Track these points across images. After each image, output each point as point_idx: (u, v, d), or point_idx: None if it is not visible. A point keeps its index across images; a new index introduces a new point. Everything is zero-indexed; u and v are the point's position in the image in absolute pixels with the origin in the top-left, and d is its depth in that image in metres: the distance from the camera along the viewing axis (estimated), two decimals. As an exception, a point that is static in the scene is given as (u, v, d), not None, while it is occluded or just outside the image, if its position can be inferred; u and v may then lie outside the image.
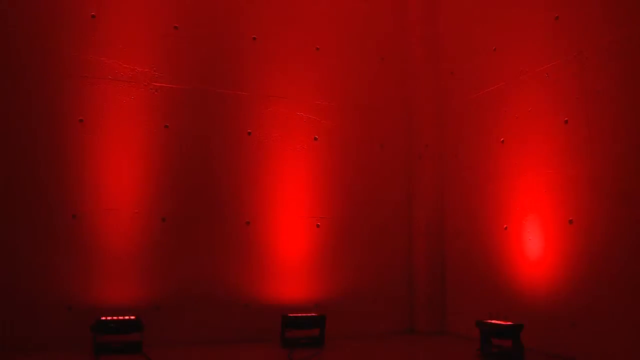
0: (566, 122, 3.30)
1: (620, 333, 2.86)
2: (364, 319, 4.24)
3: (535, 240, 3.48)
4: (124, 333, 3.32)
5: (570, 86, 3.28)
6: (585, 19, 3.21)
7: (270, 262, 4.04)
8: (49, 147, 3.65)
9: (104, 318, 3.35)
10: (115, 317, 3.38)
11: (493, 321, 3.35)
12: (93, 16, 3.83)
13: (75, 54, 3.76)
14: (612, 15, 3.04)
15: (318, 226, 4.23)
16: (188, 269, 3.84)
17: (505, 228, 3.75)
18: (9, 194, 3.53)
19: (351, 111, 4.46)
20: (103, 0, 3.86)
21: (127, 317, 3.40)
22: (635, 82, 2.89)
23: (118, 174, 3.76)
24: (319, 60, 4.41)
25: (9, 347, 3.35)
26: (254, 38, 4.24)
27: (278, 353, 3.45)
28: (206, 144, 4.02)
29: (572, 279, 3.18)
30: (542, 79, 3.50)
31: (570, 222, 3.23)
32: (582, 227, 3.15)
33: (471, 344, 3.59)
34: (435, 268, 4.41)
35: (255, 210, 4.06)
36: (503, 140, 3.84)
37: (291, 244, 4.12)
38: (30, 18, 3.69)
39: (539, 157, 3.49)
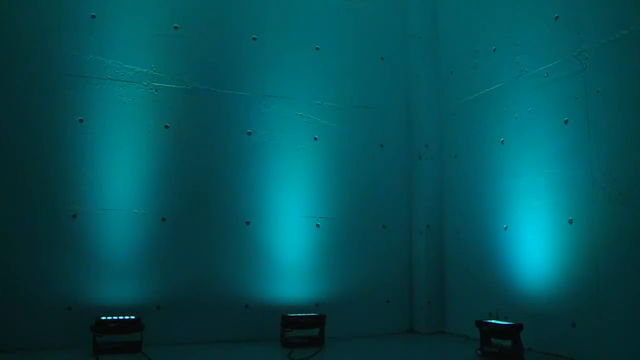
0: (566, 122, 3.31)
1: (620, 333, 2.86)
2: (364, 319, 4.24)
3: (535, 240, 3.48)
4: (124, 333, 3.32)
5: (570, 86, 3.28)
6: (585, 19, 3.21)
7: (270, 262, 4.04)
8: (49, 147, 3.65)
9: (104, 318, 3.35)
10: (115, 317, 3.39)
11: (493, 321, 3.35)
12: (93, 16, 3.83)
13: (75, 54, 3.76)
14: (612, 15, 3.04)
15: (318, 226, 4.23)
16: (188, 269, 3.84)
17: (505, 228, 3.75)
18: (8, 193, 3.53)
19: (351, 111, 4.46)
20: (103, 0, 3.86)
21: (127, 317, 3.41)
22: (635, 82, 2.89)
23: (118, 174, 3.76)
24: (319, 60, 4.41)
25: (9, 347, 3.35)
26: (254, 38, 4.24)
27: (278, 353, 3.45)
28: (206, 144, 4.02)
29: (572, 279, 3.18)
30: (542, 79, 3.50)
31: (570, 222, 3.23)
32: (582, 227, 3.15)
33: (471, 344, 3.59)
34: (435, 268, 4.41)
35: (255, 210, 4.06)
36: (503, 140, 3.84)
37: (291, 244, 4.12)
38: (30, 18, 3.69)
39: (539, 157, 3.49)
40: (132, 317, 3.40)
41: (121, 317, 3.40)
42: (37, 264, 3.52)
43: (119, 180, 3.76)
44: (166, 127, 3.93)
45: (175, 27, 4.03)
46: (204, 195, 3.96)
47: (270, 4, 4.32)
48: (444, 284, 4.39)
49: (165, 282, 3.77)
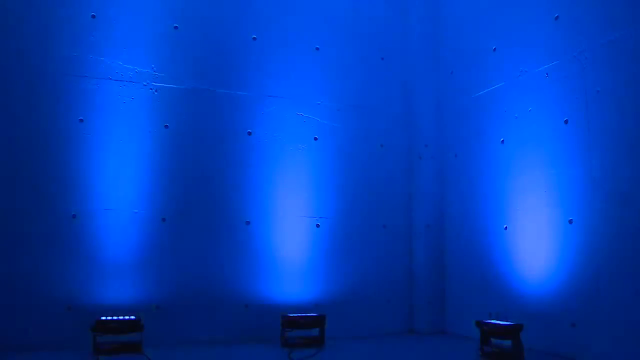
0: (566, 122, 3.31)
1: (620, 333, 2.87)
2: (364, 319, 4.24)
3: (535, 240, 3.48)
4: (124, 333, 3.32)
5: (570, 86, 3.28)
6: (585, 19, 3.21)
7: (270, 262, 4.04)
8: (49, 147, 3.65)
9: (104, 318, 3.35)
10: (115, 317, 3.39)
11: (493, 321, 3.35)
12: (93, 16, 3.83)
13: (75, 54, 3.76)
14: (612, 15, 3.04)
15: (318, 226, 4.23)
16: (188, 269, 3.84)
17: (505, 228, 3.75)
18: (9, 194, 3.53)
19: (351, 111, 4.46)
20: (103, 0, 3.87)
21: (127, 317, 3.41)
22: (635, 82, 2.89)
23: (118, 174, 3.77)
24: (319, 60, 4.41)
25: (9, 347, 3.35)
26: (254, 38, 4.24)
27: (278, 353, 3.45)
28: (206, 144, 4.02)
29: (572, 279, 3.18)
30: (542, 79, 3.50)
31: (570, 222, 3.23)
32: (582, 227, 3.15)
33: (471, 344, 3.59)
34: (435, 268, 4.41)
35: (255, 210, 4.06)
36: (503, 140, 3.84)
37: (291, 244, 4.12)
38: (30, 18, 3.69)
39: (539, 157, 3.49)
40: (132, 317, 3.40)
41: (121, 317, 3.40)
42: (37, 264, 3.52)
43: (119, 180, 3.76)
44: (166, 127, 3.93)
45: (175, 27, 4.03)
46: (204, 195, 3.96)
47: (270, 4, 4.32)
48: (444, 284, 4.39)
49: (165, 282, 3.77)
